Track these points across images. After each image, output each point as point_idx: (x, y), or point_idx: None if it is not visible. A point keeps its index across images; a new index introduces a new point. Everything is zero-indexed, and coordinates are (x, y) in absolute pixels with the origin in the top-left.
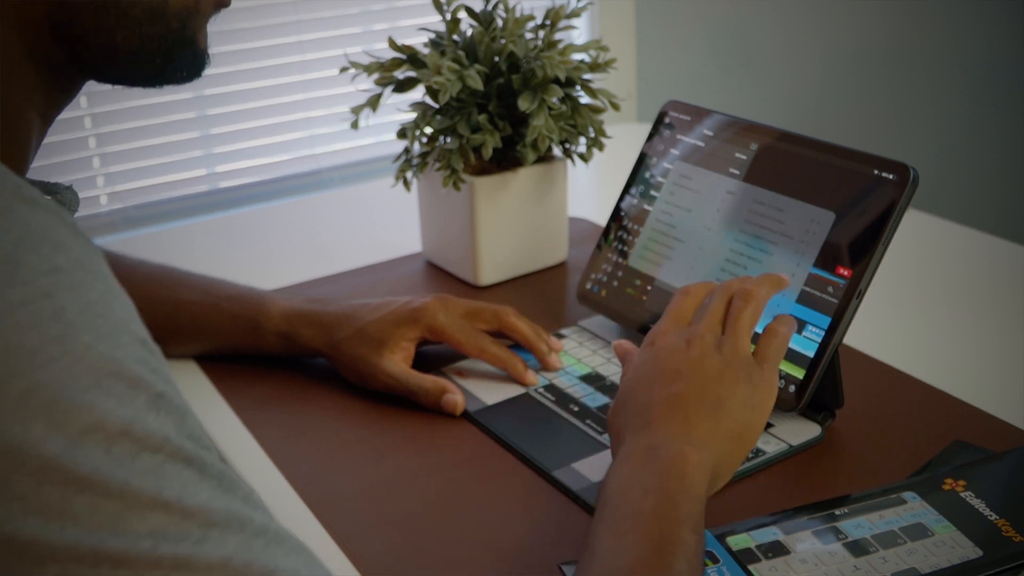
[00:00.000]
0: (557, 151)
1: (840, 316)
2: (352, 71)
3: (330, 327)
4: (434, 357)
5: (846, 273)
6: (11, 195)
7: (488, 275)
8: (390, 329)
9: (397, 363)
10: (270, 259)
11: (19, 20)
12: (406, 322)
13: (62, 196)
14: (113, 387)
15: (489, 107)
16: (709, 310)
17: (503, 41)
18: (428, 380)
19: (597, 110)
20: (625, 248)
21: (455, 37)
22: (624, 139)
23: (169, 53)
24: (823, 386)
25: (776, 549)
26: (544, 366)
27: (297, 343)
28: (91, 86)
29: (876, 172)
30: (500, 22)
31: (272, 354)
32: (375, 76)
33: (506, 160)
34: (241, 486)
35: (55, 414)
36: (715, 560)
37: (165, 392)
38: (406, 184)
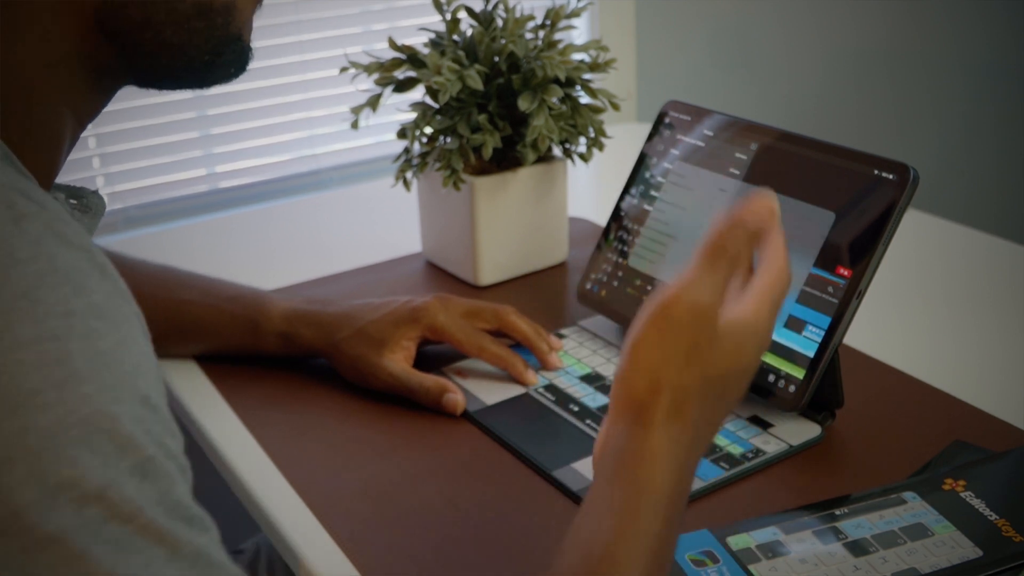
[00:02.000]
0: (557, 151)
1: (840, 316)
2: (352, 71)
3: (330, 327)
4: (434, 357)
5: (846, 273)
6: (43, 228)
7: (488, 275)
8: (390, 329)
9: (398, 363)
10: (270, 259)
11: (68, 17)
12: (406, 322)
13: (88, 200)
14: (101, 445)
15: (489, 107)
16: (755, 290)
17: (503, 41)
18: (429, 380)
19: (597, 110)
20: (625, 248)
21: (455, 37)
22: (624, 139)
23: (216, 49)
24: (823, 386)
25: (776, 549)
26: (544, 365)
27: (297, 343)
28: None
29: (876, 172)
30: (500, 22)
31: (272, 354)
32: (375, 76)
33: (506, 160)
34: (224, 570)
35: (37, 462)
36: (715, 560)
37: (155, 456)
38: (406, 184)
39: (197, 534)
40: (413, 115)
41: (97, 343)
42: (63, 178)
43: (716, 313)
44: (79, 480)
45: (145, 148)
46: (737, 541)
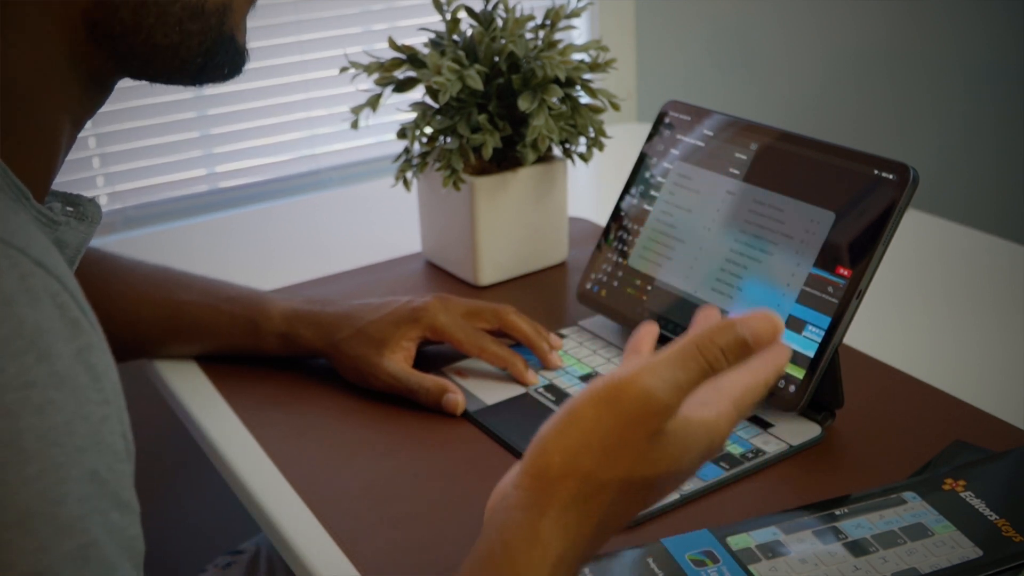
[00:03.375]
0: (557, 151)
1: (840, 316)
2: (352, 71)
3: (330, 327)
4: (435, 357)
5: (846, 273)
6: (17, 283)
7: (488, 275)
8: (390, 329)
9: (398, 363)
10: (270, 259)
11: (58, 22)
12: (407, 322)
13: (84, 209)
14: (39, 529)
15: (489, 107)
16: (727, 391)
17: (503, 41)
18: (429, 380)
19: (597, 110)
20: (625, 248)
21: (455, 37)
22: (624, 139)
23: (210, 51)
24: (823, 386)
25: (776, 549)
26: (545, 364)
27: (297, 343)
28: None
29: (876, 172)
30: (500, 22)
31: (272, 355)
32: (375, 76)
33: (506, 160)
34: None
35: None
36: (715, 560)
37: (98, 540)
38: (406, 184)
39: None
40: (413, 115)
41: (52, 418)
42: (63, 178)
43: (667, 414)
44: (11, 564)
45: (145, 148)
46: (737, 541)
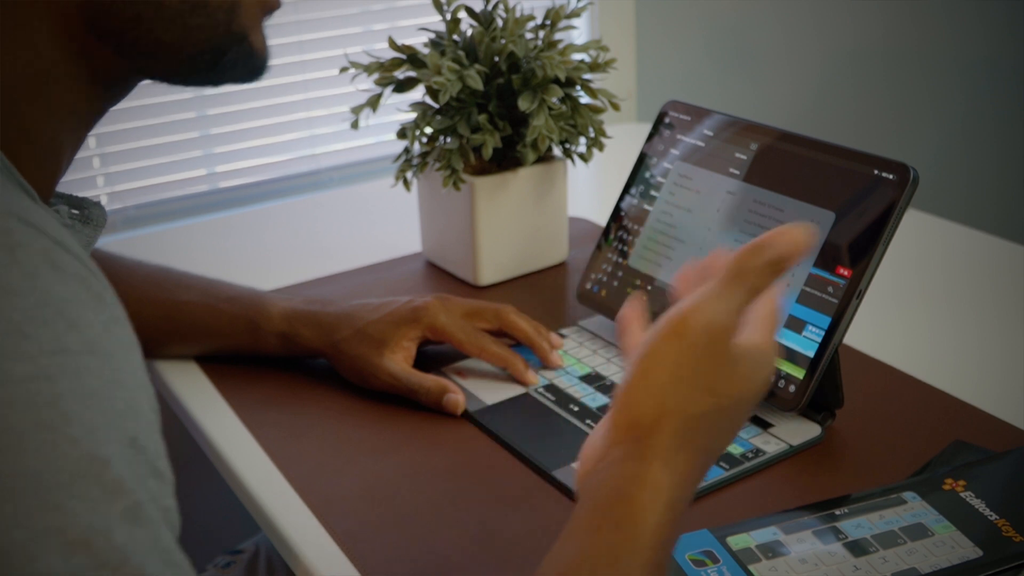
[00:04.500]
0: (557, 151)
1: (840, 316)
2: (352, 71)
3: (330, 327)
4: (435, 357)
5: (846, 273)
6: (40, 258)
7: (488, 275)
8: (391, 329)
9: (398, 363)
10: (270, 259)
11: (56, 22)
12: (407, 322)
13: (89, 212)
14: (88, 490)
15: (489, 107)
16: (763, 316)
17: (503, 41)
18: (429, 380)
19: (597, 110)
20: (625, 248)
21: (455, 37)
22: (624, 139)
23: (218, 49)
24: (823, 386)
25: (776, 549)
26: (545, 364)
27: (297, 343)
28: None
29: (876, 172)
30: (500, 22)
31: (272, 355)
32: (375, 76)
33: (506, 160)
34: None
35: (23, 505)
36: (715, 560)
37: (143, 501)
38: (406, 184)
39: None
40: (413, 115)
41: (88, 382)
42: (62, 177)
43: (731, 336)
44: (64, 527)
45: (145, 148)
46: (737, 541)
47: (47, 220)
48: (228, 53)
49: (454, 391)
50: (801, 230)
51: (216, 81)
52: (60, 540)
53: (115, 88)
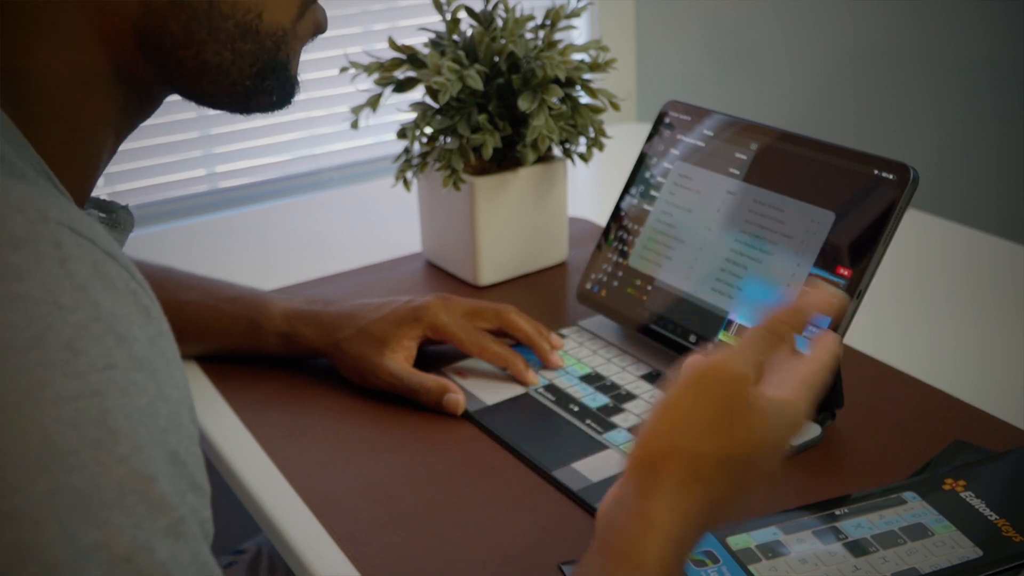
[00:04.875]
0: (557, 151)
1: (840, 316)
2: (352, 71)
3: (331, 327)
4: (435, 357)
5: (846, 273)
6: (90, 270)
7: (488, 275)
8: (391, 329)
9: (399, 362)
10: (270, 259)
11: (106, 31)
12: (408, 321)
13: (117, 216)
14: (134, 507)
15: (489, 107)
16: (800, 375)
17: (503, 41)
18: (430, 379)
19: (597, 110)
20: (625, 248)
21: (455, 37)
22: (624, 139)
23: (261, 74)
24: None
25: (776, 549)
26: (546, 364)
27: (298, 343)
28: None
29: (876, 172)
30: (500, 22)
31: (273, 355)
32: (375, 76)
33: (506, 160)
34: None
35: (70, 521)
36: (715, 560)
37: (184, 517)
38: (406, 184)
39: None
40: (413, 115)
41: (136, 398)
42: None
43: (750, 384)
44: (109, 543)
45: (145, 148)
46: (737, 541)
47: (96, 230)
48: (268, 79)
49: (454, 391)
50: (831, 293)
51: (248, 109)
52: (105, 556)
53: (150, 103)
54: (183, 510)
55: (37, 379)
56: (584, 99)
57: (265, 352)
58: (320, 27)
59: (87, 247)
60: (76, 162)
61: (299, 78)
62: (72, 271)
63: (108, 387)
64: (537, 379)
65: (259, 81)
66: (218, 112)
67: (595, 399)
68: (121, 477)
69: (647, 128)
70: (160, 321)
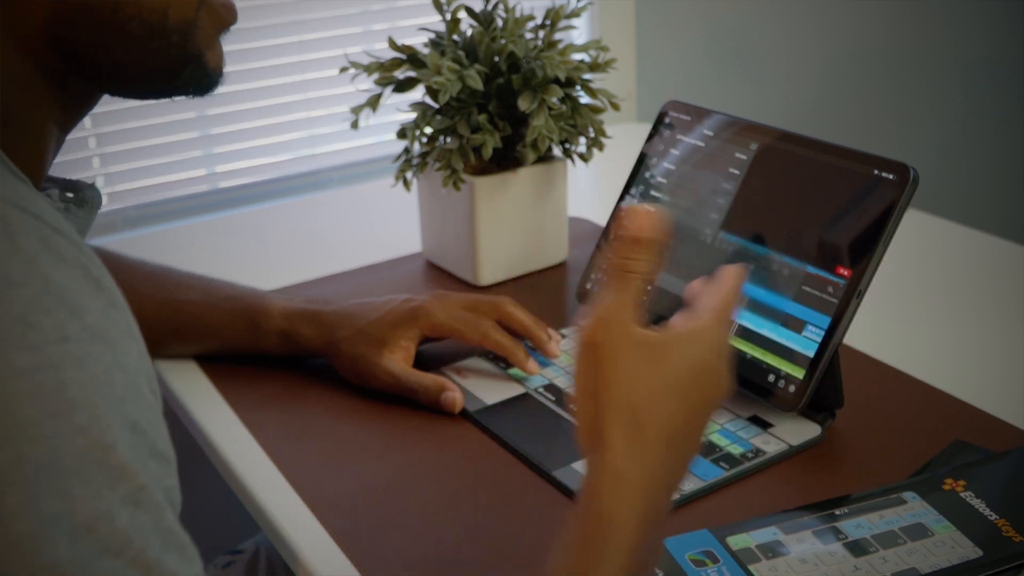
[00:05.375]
0: (557, 151)
1: (840, 316)
2: (352, 71)
3: (330, 326)
4: (434, 356)
5: (846, 273)
6: (39, 244)
7: (488, 275)
8: (389, 329)
9: (397, 362)
10: (270, 259)
11: (17, 34)
12: (405, 321)
13: (85, 194)
14: (94, 475)
15: (489, 107)
16: (703, 303)
17: (503, 41)
18: (428, 379)
19: (597, 110)
20: None
21: (455, 37)
22: (624, 139)
23: (173, 68)
24: (823, 386)
25: (776, 549)
26: (544, 353)
27: (297, 342)
28: None
29: (876, 172)
30: (500, 22)
31: (272, 354)
32: (375, 76)
33: (506, 160)
34: None
35: (30, 493)
36: (715, 560)
37: (146, 485)
38: (406, 184)
39: (187, 565)
40: (413, 115)
41: (91, 368)
42: (64, 176)
43: (633, 324)
44: (71, 512)
45: (145, 148)
46: (737, 541)
47: (42, 206)
48: (182, 73)
49: (451, 389)
50: (640, 208)
51: (170, 95)
52: (67, 526)
53: (85, 99)
54: (144, 478)
55: None
56: (584, 99)
57: (264, 351)
58: (228, 9)
59: (33, 222)
60: (26, 154)
61: (224, 67)
62: (20, 246)
63: (64, 359)
64: (538, 368)
65: (173, 76)
66: (218, 112)
67: None
68: (81, 447)
69: (647, 128)
70: (111, 292)
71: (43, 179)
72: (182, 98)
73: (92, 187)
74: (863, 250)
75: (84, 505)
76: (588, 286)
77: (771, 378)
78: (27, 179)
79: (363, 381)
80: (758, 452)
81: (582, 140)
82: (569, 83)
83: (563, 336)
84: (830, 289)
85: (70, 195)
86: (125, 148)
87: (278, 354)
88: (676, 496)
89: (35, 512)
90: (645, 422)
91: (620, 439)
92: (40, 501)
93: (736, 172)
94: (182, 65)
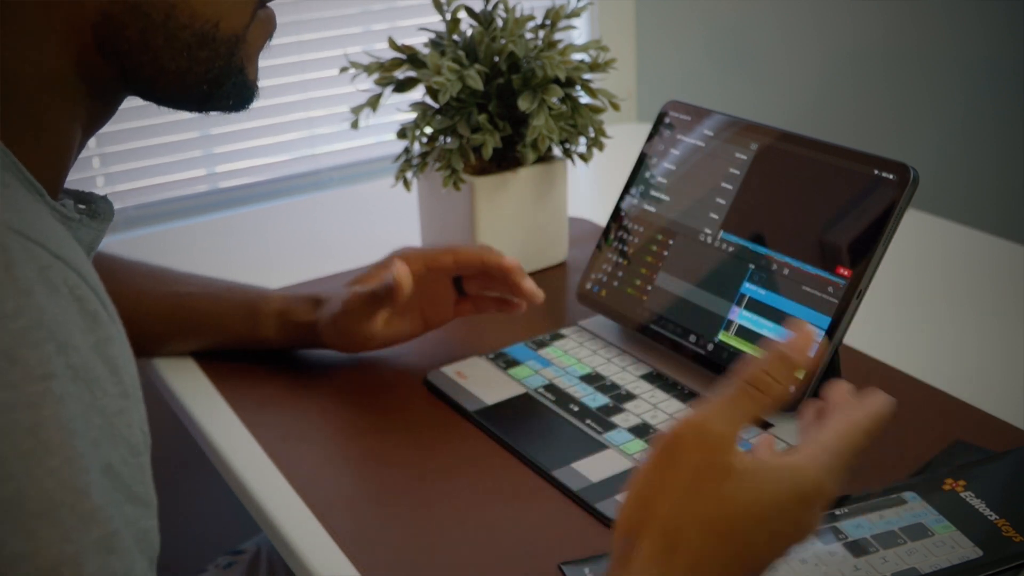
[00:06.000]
0: (557, 151)
1: (840, 316)
2: (352, 71)
3: (321, 303)
4: (435, 356)
5: (846, 273)
6: (35, 275)
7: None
8: (360, 280)
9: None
10: (270, 259)
11: (67, 34)
12: (375, 266)
13: (97, 206)
14: (64, 519)
15: (489, 107)
16: (814, 439)
17: (503, 41)
18: (382, 286)
19: (597, 110)
20: (625, 248)
21: (455, 37)
22: (624, 139)
23: (217, 80)
24: (823, 386)
25: None
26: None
27: (292, 320)
28: None
29: (876, 172)
30: (500, 22)
31: (270, 343)
32: (375, 76)
33: (506, 160)
34: None
35: None
36: None
37: (118, 530)
38: (406, 184)
39: None
40: (413, 115)
41: (70, 409)
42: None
43: (728, 443)
44: (35, 554)
45: (145, 148)
46: None
47: (49, 232)
48: (224, 85)
49: (399, 266)
50: (807, 328)
51: (206, 109)
52: (30, 567)
53: (113, 104)
54: (116, 523)
55: None
56: (584, 99)
57: (263, 340)
58: (271, 28)
59: (35, 251)
60: (49, 156)
61: (258, 83)
62: (16, 276)
63: (43, 398)
64: (540, 292)
65: (215, 87)
66: (217, 112)
67: (595, 399)
68: (51, 489)
69: (647, 128)
70: (109, 326)
71: (63, 183)
72: (208, 114)
73: (105, 199)
74: (863, 250)
75: (50, 548)
76: (588, 286)
77: None
78: (42, 188)
79: (351, 344)
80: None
81: (582, 140)
82: (569, 83)
83: (563, 336)
84: (830, 289)
85: (82, 207)
86: (125, 148)
87: (276, 342)
88: None
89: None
90: (680, 549)
91: (645, 558)
92: (6, 539)
93: (736, 172)
94: (226, 78)
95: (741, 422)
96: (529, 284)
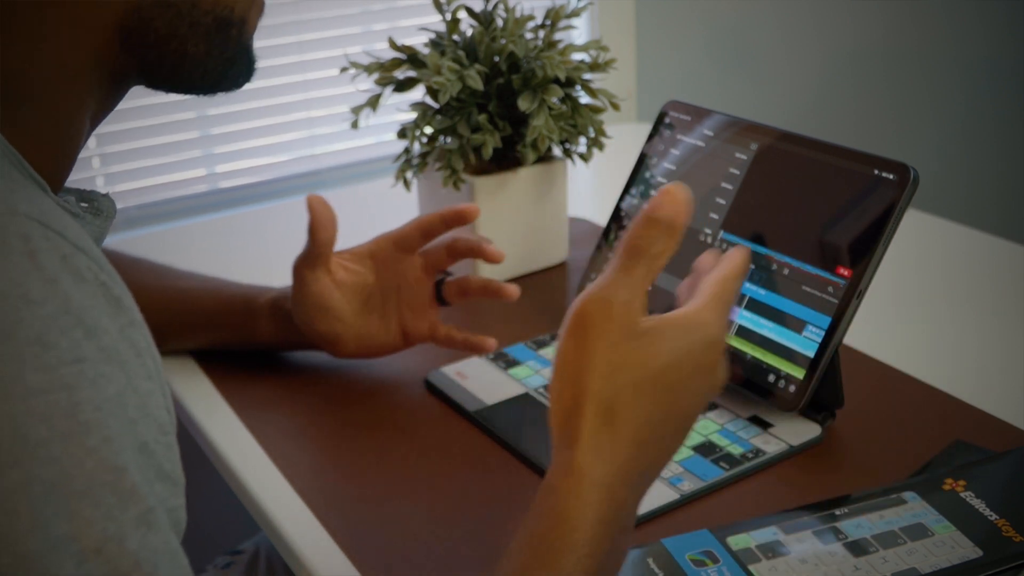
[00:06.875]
0: (557, 151)
1: (840, 316)
2: (352, 71)
3: None
4: (435, 356)
5: (846, 273)
6: (59, 263)
7: (488, 275)
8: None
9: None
10: (270, 259)
11: (89, 28)
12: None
13: (99, 203)
14: (104, 497)
15: (489, 107)
16: (702, 290)
17: (503, 41)
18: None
19: (597, 110)
20: None
21: (455, 37)
22: (624, 139)
23: (232, 59)
24: (823, 386)
25: (776, 549)
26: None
27: (283, 308)
28: None
29: (876, 172)
30: (500, 22)
31: (265, 341)
32: (375, 76)
33: (506, 160)
34: None
35: (41, 513)
36: (715, 560)
37: (154, 507)
38: (406, 184)
39: None
40: (413, 115)
41: (105, 390)
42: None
43: (635, 310)
44: (80, 534)
45: (145, 148)
46: (737, 541)
47: (65, 222)
48: (237, 63)
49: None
50: (677, 188)
51: (217, 90)
52: (76, 548)
53: (119, 94)
54: (152, 500)
55: (7, 373)
56: (584, 99)
57: (259, 338)
58: (262, 6)
59: (56, 240)
60: (55, 150)
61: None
62: (41, 264)
63: (78, 380)
64: (500, 254)
65: (230, 66)
66: (218, 112)
67: None
68: (91, 469)
69: (647, 128)
70: (131, 311)
71: (67, 177)
72: (216, 95)
73: (107, 197)
74: (863, 250)
75: (93, 527)
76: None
77: (771, 378)
78: (45, 184)
79: (316, 318)
80: (758, 452)
81: (582, 140)
82: (569, 83)
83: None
84: (830, 289)
85: (84, 204)
86: (125, 148)
87: (272, 336)
88: (678, 496)
89: (43, 532)
90: (619, 417)
91: (589, 433)
92: (49, 522)
93: (736, 172)
94: (240, 57)
95: (640, 287)
96: (492, 248)
